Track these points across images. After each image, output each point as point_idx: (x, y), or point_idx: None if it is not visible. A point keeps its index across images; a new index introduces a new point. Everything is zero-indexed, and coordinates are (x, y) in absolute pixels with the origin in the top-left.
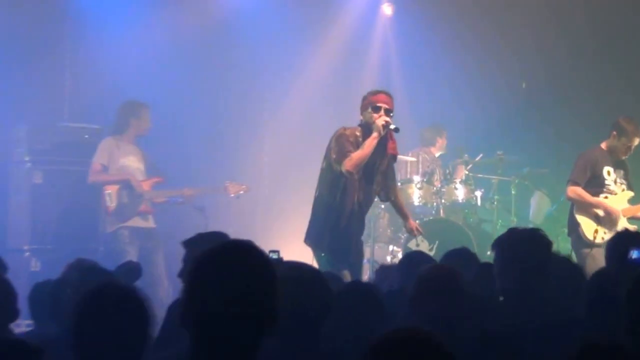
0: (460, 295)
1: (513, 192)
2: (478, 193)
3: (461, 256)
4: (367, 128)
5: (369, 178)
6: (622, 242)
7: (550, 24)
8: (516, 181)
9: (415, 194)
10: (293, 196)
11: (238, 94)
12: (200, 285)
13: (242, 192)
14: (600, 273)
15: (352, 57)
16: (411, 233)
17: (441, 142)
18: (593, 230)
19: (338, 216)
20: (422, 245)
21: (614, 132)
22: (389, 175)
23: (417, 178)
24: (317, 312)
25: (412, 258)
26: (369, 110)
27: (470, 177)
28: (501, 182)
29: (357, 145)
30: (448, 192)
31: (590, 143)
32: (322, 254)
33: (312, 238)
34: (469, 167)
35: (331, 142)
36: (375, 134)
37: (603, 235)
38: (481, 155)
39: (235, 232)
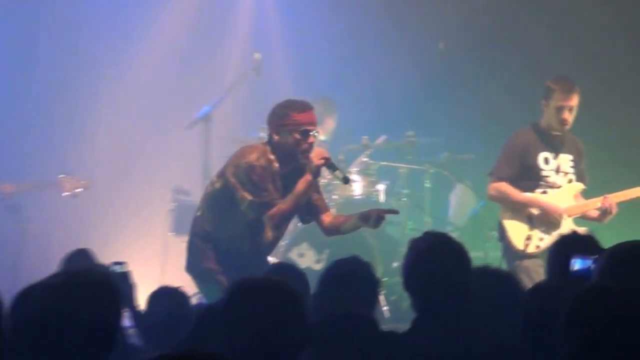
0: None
1: (427, 184)
2: (381, 186)
3: (348, 267)
4: (284, 153)
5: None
6: (563, 249)
7: None
8: (431, 171)
9: None
10: (140, 192)
11: (67, 67)
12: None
13: (80, 189)
14: (537, 290)
15: (213, 14)
16: (377, 220)
17: (330, 123)
18: (524, 237)
19: (230, 256)
20: (308, 255)
21: (543, 100)
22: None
23: None
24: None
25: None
26: (293, 133)
27: (370, 166)
28: (412, 171)
29: (275, 179)
30: (341, 185)
31: (524, 120)
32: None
33: (196, 271)
34: (368, 153)
35: (235, 170)
36: (309, 177)
37: (538, 243)
38: (385, 137)
39: (65, 240)
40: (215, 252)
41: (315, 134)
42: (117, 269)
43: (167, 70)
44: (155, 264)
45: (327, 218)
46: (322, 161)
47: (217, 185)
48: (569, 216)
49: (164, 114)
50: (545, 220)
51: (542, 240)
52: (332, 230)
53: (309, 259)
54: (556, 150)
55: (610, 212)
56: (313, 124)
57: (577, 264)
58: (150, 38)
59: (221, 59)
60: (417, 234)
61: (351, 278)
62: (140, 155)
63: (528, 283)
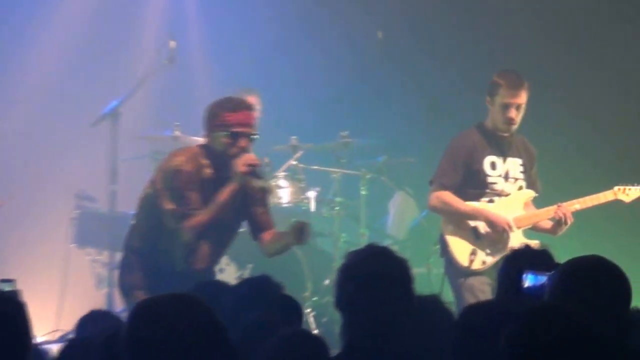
0: None
1: (363, 192)
2: (311, 193)
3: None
4: (216, 155)
5: (225, 224)
6: (514, 264)
7: None
8: (367, 176)
9: None
10: (39, 198)
11: None
12: None
13: None
14: (470, 311)
15: None
16: (299, 232)
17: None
18: (469, 252)
19: (160, 275)
20: (229, 270)
21: (488, 97)
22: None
23: None
24: None
25: None
26: (222, 135)
27: (299, 170)
28: (346, 177)
29: (204, 184)
30: None
31: (478, 119)
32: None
33: (123, 289)
34: (298, 156)
35: (162, 175)
36: (233, 186)
37: (484, 258)
38: (312, 142)
39: None
40: (144, 268)
41: (253, 136)
42: (5, 287)
43: (69, 60)
44: (54, 281)
45: (267, 236)
46: (247, 168)
47: (148, 191)
48: (518, 228)
49: (66, 109)
50: (492, 233)
51: (488, 256)
52: (271, 251)
53: (229, 275)
54: (504, 154)
55: (565, 223)
56: (247, 125)
57: (529, 280)
58: (50, 25)
59: (132, 47)
60: (352, 248)
61: (260, 301)
62: (39, 157)
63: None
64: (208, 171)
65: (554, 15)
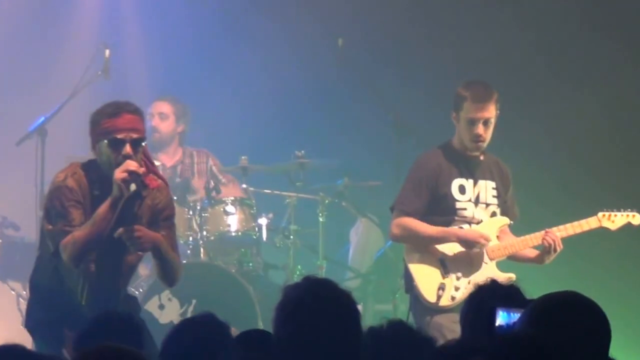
0: None
1: (321, 219)
2: (263, 220)
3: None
4: (103, 167)
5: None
6: (483, 301)
7: None
8: (326, 201)
9: None
10: None
11: None
12: None
13: None
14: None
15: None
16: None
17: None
18: (436, 287)
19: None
20: (170, 306)
21: (453, 112)
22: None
23: None
24: None
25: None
26: (105, 144)
27: (250, 194)
28: (302, 202)
29: (92, 203)
30: (213, 218)
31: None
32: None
33: (30, 324)
34: (247, 177)
35: (46, 197)
36: (113, 197)
37: (453, 293)
38: (264, 163)
39: None
40: (48, 305)
41: (139, 141)
42: None
43: None
44: None
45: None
46: (125, 175)
47: (42, 216)
48: (492, 259)
49: None
50: (463, 263)
51: (458, 290)
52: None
53: (172, 312)
54: (473, 176)
55: (555, 250)
56: (130, 129)
57: (500, 318)
58: None
59: (62, 58)
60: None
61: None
62: None
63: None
64: (95, 190)
65: (532, 27)
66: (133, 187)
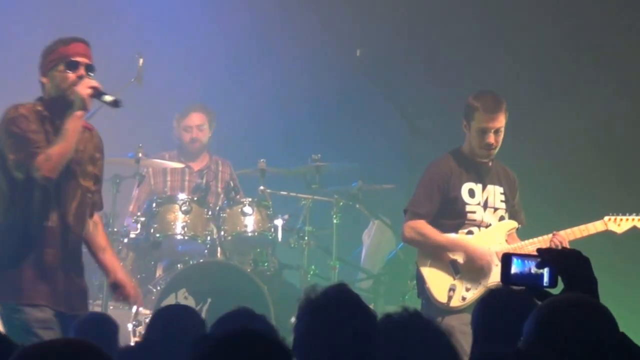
0: None
1: (335, 220)
2: (279, 222)
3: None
4: (56, 102)
5: (73, 181)
6: (488, 306)
7: None
8: (341, 203)
9: (179, 222)
10: None
11: None
12: None
13: None
14: None
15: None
16: (123, 299)
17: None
18: (447, 288)
19: (29, 249)
20: (186, 303)
21: (464, 121)
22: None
23: (182, 196)
24: None
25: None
26: (60, 68)
27: (267, 196)
28: (317, 204)
29: (47, 130)
30: (231, 218)
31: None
32: (15, 312)
33: None
34: (264, 179)
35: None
36: (78, 111)
37: (464, 294)
38: (281, 166)
39: None
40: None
41: (91, 70)
42: None
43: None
44: None
45: (90, 226)
46: (90, 90)
47: None
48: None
49: None
50: (472, 267)
51: (468, 291)
52: (91, 249)
53: None
54: (482, 181)
55: None
56: (85, 55)
57: (515, 266)
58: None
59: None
60: (322, 281)
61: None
62: None
63: None
64: (48, 119)
65: (540, 35)
66: (109, 98)
